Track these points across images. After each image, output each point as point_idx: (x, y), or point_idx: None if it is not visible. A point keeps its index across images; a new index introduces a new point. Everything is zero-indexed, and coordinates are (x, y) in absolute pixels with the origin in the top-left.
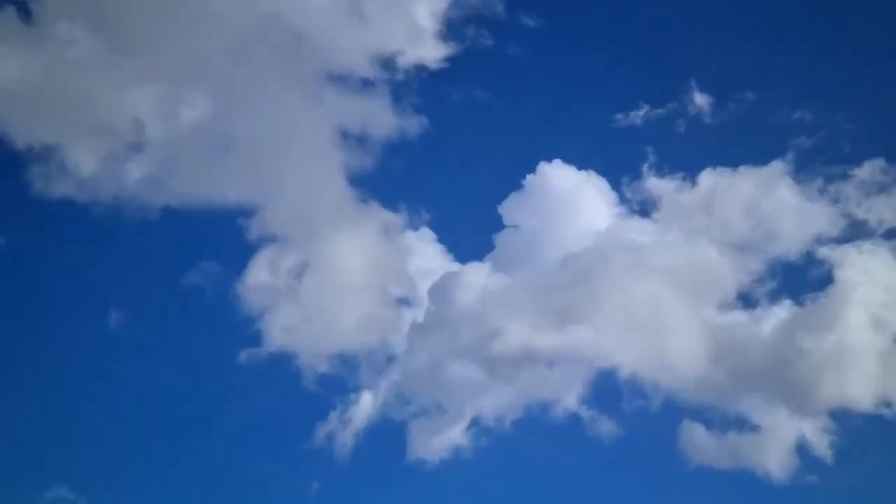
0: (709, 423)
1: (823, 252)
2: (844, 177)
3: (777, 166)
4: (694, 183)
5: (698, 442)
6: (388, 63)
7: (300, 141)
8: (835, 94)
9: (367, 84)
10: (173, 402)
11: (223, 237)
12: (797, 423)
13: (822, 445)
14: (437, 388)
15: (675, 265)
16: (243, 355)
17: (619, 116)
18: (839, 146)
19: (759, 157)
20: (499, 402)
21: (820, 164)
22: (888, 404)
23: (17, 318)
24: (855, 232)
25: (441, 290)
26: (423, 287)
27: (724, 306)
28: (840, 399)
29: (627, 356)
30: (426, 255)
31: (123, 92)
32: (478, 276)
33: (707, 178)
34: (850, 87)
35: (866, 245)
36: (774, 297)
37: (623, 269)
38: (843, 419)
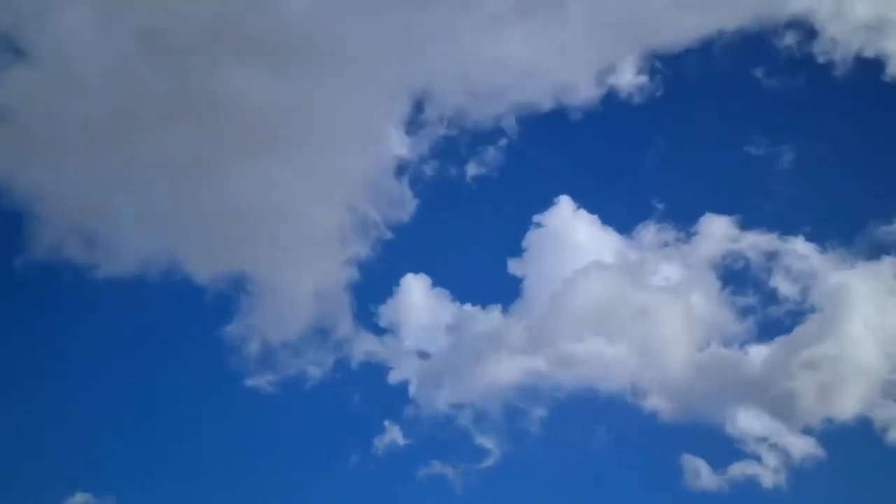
0: (706, 451)
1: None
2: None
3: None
4: (694, 229)
5: (696, 467)
6: None
7: None
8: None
9: None
10: (195, 410)
11: None
12: (791, 441)
13: (815, 463)
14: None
15: (674, 303)
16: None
17: (622, 162)
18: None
19: (762, 206)
20: (509, 433)
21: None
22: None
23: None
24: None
25: (454, 330)
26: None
27: (720, 339)
28: (833, 416)
29: (628, 385)
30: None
31: None
32: (485, 318)
33: (706, 223)
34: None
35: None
36: (769, 331)
37: (624, 307)
38: (837, 436)
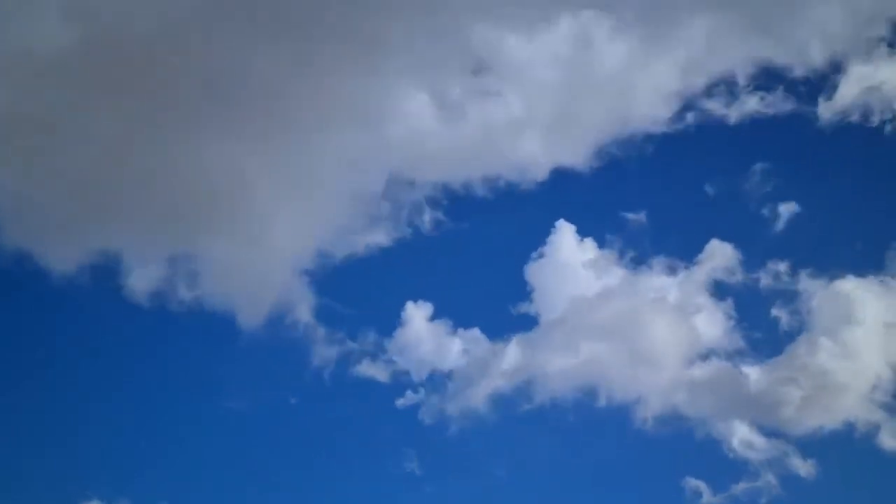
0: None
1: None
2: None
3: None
4: (696, 257)
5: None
6: None
7: None
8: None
9: None
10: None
11: None
12: (791, 454)
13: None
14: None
15: (675, 322)
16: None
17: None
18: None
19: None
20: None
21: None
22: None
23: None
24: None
25: (458, 355)
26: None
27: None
28: (831, 429)
29: (629, 405)
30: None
31: None
32: (487, 343)
33: (710, 249)
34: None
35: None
36: (768, 349)
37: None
38: (836, 449)
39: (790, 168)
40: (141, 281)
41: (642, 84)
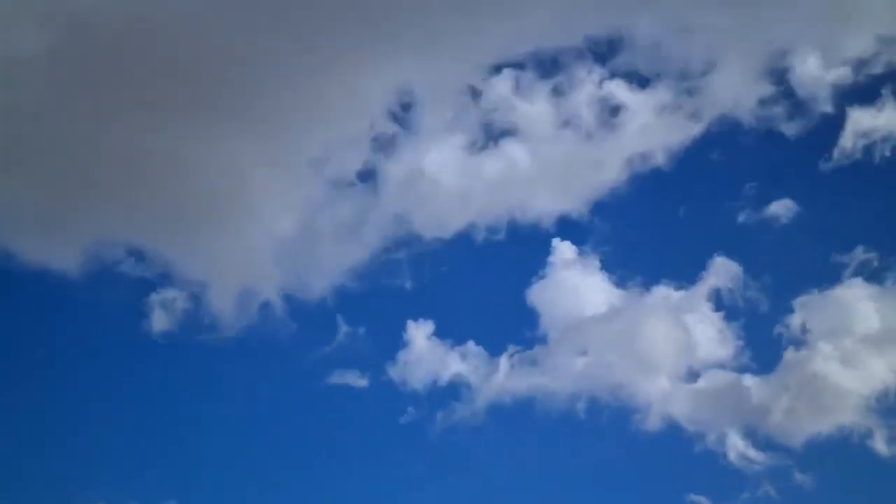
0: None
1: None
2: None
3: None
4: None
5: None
6: None
7: None
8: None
9: None
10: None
11: None
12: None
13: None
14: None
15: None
16: None
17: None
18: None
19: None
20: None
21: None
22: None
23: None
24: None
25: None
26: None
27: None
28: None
29: (628, 415)
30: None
31: None
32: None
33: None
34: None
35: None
36: (767, 360)
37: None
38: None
39: (787, 178)
40: (138, 280)
41: (655, 144)
